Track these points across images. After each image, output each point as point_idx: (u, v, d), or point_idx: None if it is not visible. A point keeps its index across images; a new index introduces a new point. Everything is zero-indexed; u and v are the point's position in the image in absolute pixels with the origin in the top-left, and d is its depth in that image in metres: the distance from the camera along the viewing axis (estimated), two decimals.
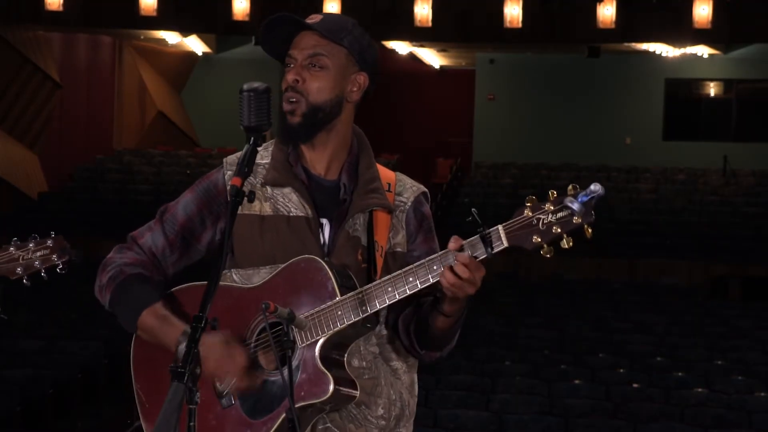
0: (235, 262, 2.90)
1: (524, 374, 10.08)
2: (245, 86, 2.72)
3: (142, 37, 21.74)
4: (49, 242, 3.71)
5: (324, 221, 2.89)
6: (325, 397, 2.72)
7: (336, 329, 2.75)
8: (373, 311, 2.75)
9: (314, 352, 2.74)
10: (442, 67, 25.80)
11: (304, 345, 2.75)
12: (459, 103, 24.81)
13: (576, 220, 2.64)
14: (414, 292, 2.74)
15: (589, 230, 2.65)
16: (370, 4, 18.73)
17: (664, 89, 22.45)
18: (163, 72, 23.50)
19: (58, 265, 3.68)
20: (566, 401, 9.25)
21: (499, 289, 14.09)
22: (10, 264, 3.71)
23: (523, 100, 22.99)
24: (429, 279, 2.72)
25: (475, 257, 2.68)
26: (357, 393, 2.80)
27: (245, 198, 2.64)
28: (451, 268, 2.67)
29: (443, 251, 2.72)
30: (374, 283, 2.76)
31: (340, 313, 2.74)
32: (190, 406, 2.51)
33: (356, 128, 2.99)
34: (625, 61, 21.86)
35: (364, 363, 2.88)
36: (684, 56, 21.40)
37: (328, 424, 2.86)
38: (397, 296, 2.74)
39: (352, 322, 2.75)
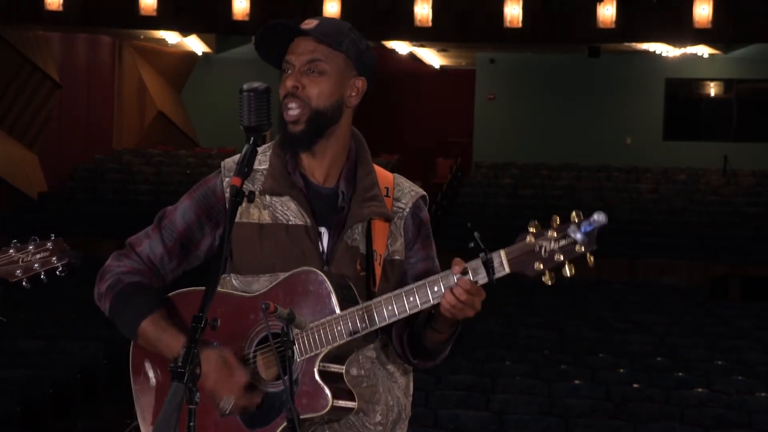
0: (235, 268, 2.89)
1: (524, 374, 10.08)
2: (245, 86, 2.71)
3: (142, 37, 21.73)
4: (49, 244, 3.69)
5: (322, 230, 2.88)
6: (323, 412, 2.73)
7: (335, 344, 2.74)
8: (373, 329, 2.75)
9: (313, 367, 2.74)
10: (442, 67, 25.79)
11: (303, 358, 2.75)
12: (459, 103, 24.80)
13: (579, 248, 2.64)
14: (414, 312, 2.73)
15: (592, 258, 2.64)
16: (370, 4, 18.72)
17: (665, 89, 22.44)
18: (163, 72, 23.50)
19: (58, 267, 3.67)
20: (566, 401, 9.24)
21: (499, 289, 14.06)
22: (9, 266, 3.69)
23: (523, 100, 22.98)
24: (430, 300, 2.71)
25: (476, 282, 2.67)
26: (355, 404, 2.79)
27: (245, 199, 2.63)
28: (452, 291, 2.66)
29: (445, 272, 2.71)
30: (375, 300, 2.75)
31: (340, 328, 2.74)
32: (190, 406, 2.51)
33: (355, 131, 2.97)
34: (625, 61, 21.85)
35: (363, 371, 2.87)
36: (684, 56, 21.39)
37: None
38: (397, 315, 2.73)
39: (351, 338, 2.75)
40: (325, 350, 2.74)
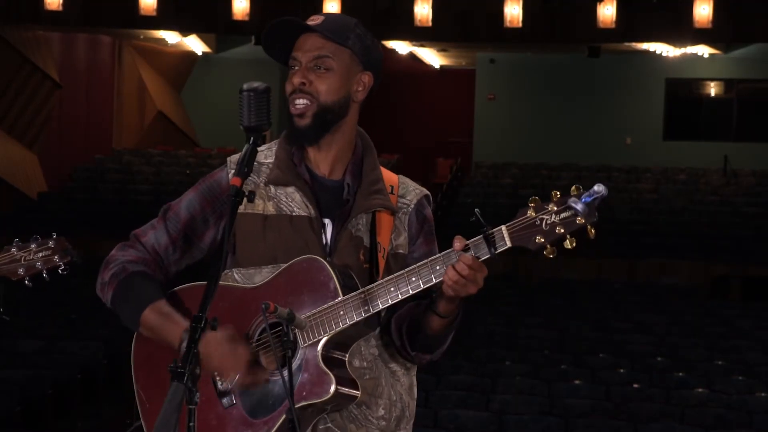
0: (237, 262, 2.90)
1: (524, 374, 10.07)
2: (245, 86, 2.72)
3: (141, 37, 21.73)
4: (51, 243, 3.71)
5: (327, 221, 2.89)
6: (326, 397, 2.72)
7: (338, 329, 2.74)
8: (375, 311, 2.75)
9: (316, 352, 2.74)
10: (442, 66, 25.79)
11: (306, 345, 2.75)
12: (459, 103, 24.81)
13: (579, 220, 2.64)
14: (416, 293, 2.73)
15: (592, 230, 2.65)
16: (370, 3, 18.71)
17: (665, 89, 22.45)
18: (162, 72, 23.50)
19: (60, 266, 3.68)
20: (566, 401, 9.24)
21: (499, 289, 14.09)
22: (11, 265, 3.71)
23: (523, 100, 22.98)
24: (432, 279, 2.71)
25: (478, 257, 2.67)
26: (358, 393, 2.79)
27: (245, 198, 2.64)
28: (454, 267, 2.66)
29: (446, 251, 2.72)
30: (377, 283, 2.76)
31: (342, 313, 2.74)
32: (190, 407, 2.51)
33: (362, 132, 2.99)
34: (625, 61, 21.86)
35: (365, 363, 2.88)
36: (684, 56, 21.39)
37: (329, 424, 2.86)
38: (399, 296, 2.73)
39: (354, 321, 2.74)
40: (327, 335, 2.74)
